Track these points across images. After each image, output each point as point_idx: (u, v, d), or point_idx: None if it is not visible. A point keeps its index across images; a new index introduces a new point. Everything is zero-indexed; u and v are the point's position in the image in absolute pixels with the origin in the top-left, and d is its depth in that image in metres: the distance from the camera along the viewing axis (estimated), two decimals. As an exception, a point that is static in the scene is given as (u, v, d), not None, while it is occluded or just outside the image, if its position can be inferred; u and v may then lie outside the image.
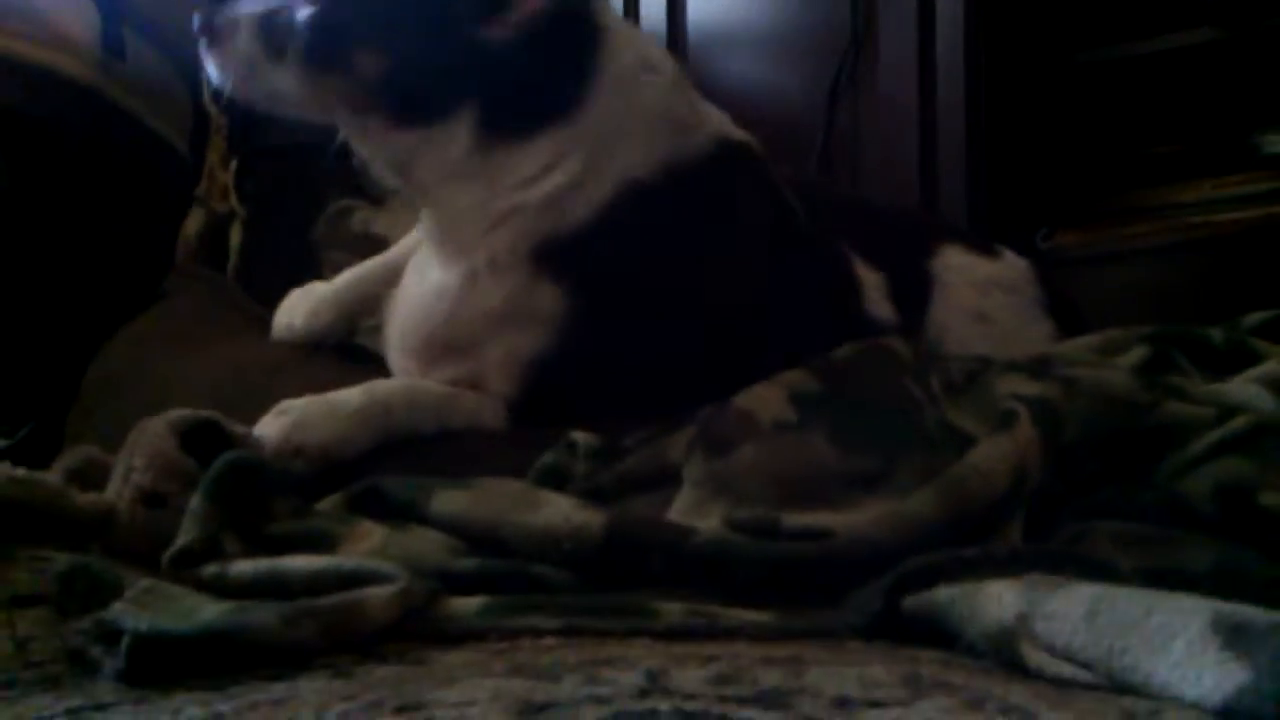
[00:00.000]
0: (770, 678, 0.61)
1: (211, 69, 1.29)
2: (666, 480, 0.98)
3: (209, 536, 0.87)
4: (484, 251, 1.27)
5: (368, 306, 1.49)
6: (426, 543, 0.89)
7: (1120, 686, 0.60)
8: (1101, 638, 0.62)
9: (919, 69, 2.30)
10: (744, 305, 1.31)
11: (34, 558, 0.89)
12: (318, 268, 2.01)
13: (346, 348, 1.53)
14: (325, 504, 0.99)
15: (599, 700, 0.57)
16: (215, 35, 1.28)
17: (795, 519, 0.85)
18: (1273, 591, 0.76)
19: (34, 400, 1.71)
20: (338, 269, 1.64)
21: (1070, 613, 0.65)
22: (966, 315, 1.50)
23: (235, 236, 2.13)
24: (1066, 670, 0.63)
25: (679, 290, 1.28)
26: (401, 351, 1.34)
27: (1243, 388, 1.10)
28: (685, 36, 2.69)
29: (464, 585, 0.81)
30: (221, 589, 0.81)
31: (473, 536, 0.89)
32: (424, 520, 0.92)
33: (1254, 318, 1.36)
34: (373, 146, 1.31)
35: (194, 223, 2.12)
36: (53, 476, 1.03)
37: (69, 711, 0.59)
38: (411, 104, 1.25)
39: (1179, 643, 0.59)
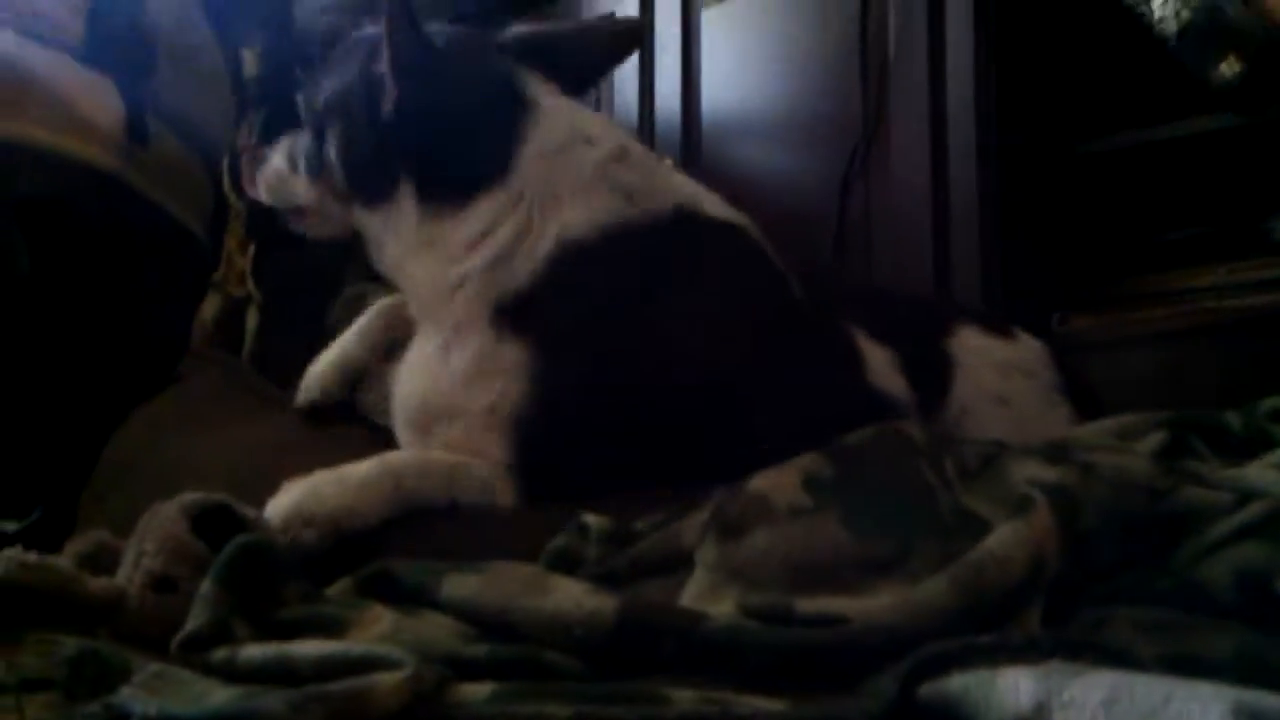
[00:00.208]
0: (783, 767, 0.60)
1: (257, 187, 1.53)
2: (679, 564, 0.98)
3: (219, 621, 0.87)
4: (450, 318, 1.35)
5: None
6: (436, 628, 0.88)
7: (1140, 777, 0.59)
8: (1121, 727, 0.61)
9: (931, 155, 2.32)
10: (719, 367, 1.33)
11: (43, 641, 0.88)
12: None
13: (362, 426, 1.54)
14: (336, 588, 0.99)
15: (609, 789, 0.56)
16: (258, 159, 1.53)
17: (809, 604, 0.84)
18: (1294, 680, 0.75)
19: (46, 483, 1.72)
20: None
21: (1089, 701, 0.63)
22: (988, 398, 1.50)
23: (251, 320, 2.14)
24: (1085, 760, 0.62)
25: (633, 348, 1.32)
26: (401, 423, 1.39)
27: (1261, 473, 1.09)
28: (700, 124, 2.72)
29: (474, 672, 0.80)
30: (230, 674, 0.80)
31: (483, 621, 0.88)
32: (434, 604, 0.92)
33: (1271, 402, 1.35)
34: (361, 232, 1.44)
35: (210, 307, 2.14)
36: (64, 561, 1.03)
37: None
38: (364, 188, 1.40)
39: (1199, 732, 0.59)
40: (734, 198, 1.51)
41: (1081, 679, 0.65)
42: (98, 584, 0.99)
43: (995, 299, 2.21)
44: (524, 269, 1.33)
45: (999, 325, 1.61)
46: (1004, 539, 0.88)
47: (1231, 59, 1.96)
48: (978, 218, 2.26)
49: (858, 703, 0.75)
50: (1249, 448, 1.20)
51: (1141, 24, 1.98)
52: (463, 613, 0.90)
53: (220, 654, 0.83)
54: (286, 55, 2.18)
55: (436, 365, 1.35)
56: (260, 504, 1.16)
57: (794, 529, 0.94)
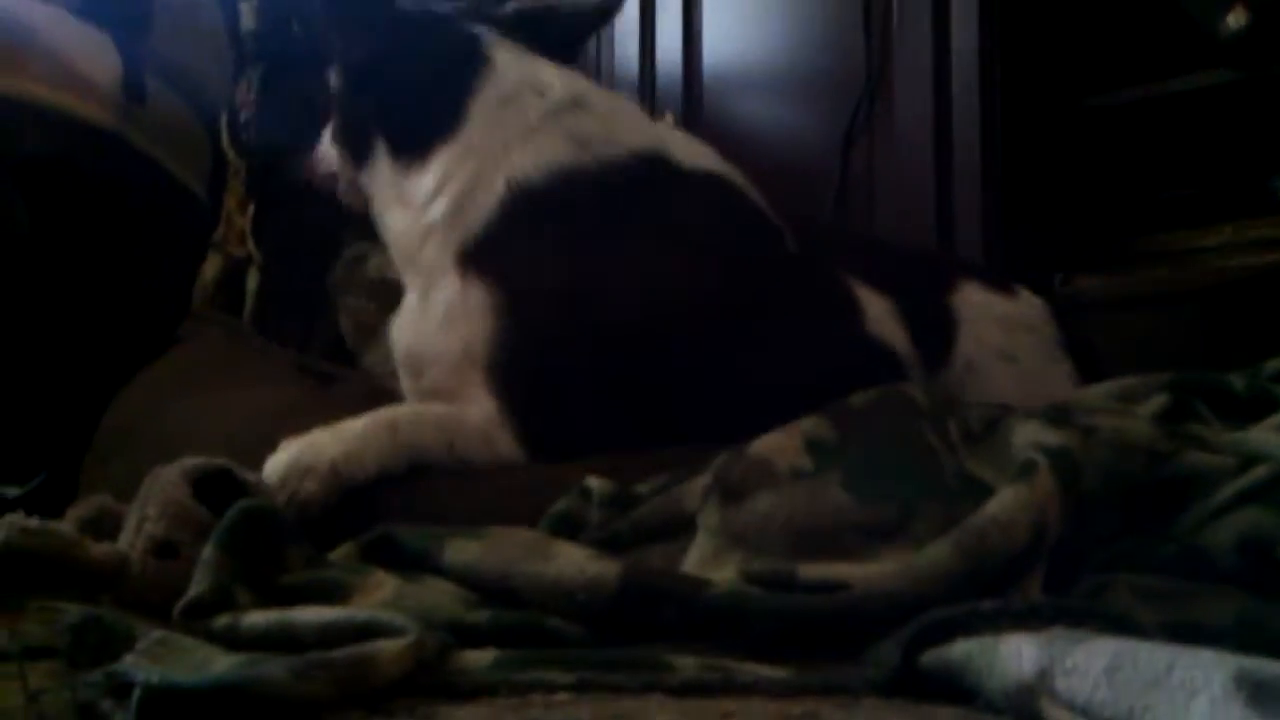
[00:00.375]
0: (786, 736, 0.60)
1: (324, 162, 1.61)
2: (681, 528, 0.98)
3: (221, 587, 0.87)
4: (424, 267, 1.40)
5: None
6: (439, 594, 0.88)
7: (1142, 745, 0.59)
8: (1123, 695, 0.61)
9: (934, 111, 2.31)
10: (684, 306, 1.35)
11: (46, 609, 0.88)
12: (333, 312, 2.02)
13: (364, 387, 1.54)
14: (338, 553, 0.99)
15: (611, 760, 0.56)
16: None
17: (811, 570, 0.84)
18: (1296, 646, 0.75)
19: (48, 448, 1.72)
20: (352, 314, 1.65)
21: (1091, 668, 0.63)
22: (993, 353, 1.50)
23: (252, 281, 2.14)
24: (1087, 728, 0.62)
25: (591, 288, 1.34)
26: (401, 374, 1.43)
27: (1264, 436, 1.08)
28: (701, 80, 2.70)
29: (476, 638, 0.80)
30: (233, 641, 0.80)
31: (485, 587, 0.88)
32: (437, 570, 0.92)
33: (1275, 364, 1.34)
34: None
35: (211, 267, 2.13)
36: (66, 526, 1.03)
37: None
38: (351, 147, 1.50)
39: (1201, 700, 0.58)
40: (736, 153, 1.50)
41: (1084, 646, 0.65)
42: (100, 550, 0.99)
43: (997, 257, 2.20)
44: (479, 215, 1.37)
45: (1000, 281, 1.61)
46: (1006, 503, 0.87)
47: (1239, 10, 1.95)
48: (980, 174, 2.25)
49: (861, 670, 0.75)
50: (1252, 409, 1.19)
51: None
52: (465, 578, 0.90)
53: (223, 620, 0.83)
54: (284, 9, 2.16)
55: (418, 313, 1.41)
56: (261, 468, 1.15)
57: (796, 492, 0.94)
